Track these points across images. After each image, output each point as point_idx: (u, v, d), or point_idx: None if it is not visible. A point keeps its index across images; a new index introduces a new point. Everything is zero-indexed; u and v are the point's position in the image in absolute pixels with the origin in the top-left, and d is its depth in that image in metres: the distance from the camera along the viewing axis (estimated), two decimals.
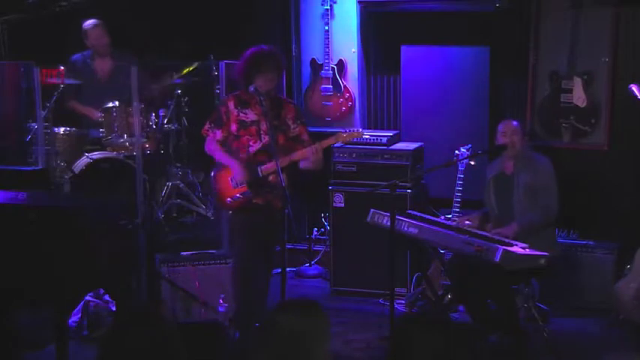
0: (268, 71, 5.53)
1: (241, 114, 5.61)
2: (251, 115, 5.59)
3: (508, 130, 5.91)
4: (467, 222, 5.87)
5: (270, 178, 5.54)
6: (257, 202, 5.60)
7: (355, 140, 6.87)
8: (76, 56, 7.31)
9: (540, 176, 5.86)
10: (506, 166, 5.99)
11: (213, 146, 5.69)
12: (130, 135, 6.84)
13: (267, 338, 2.96)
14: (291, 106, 5.79)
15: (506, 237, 5.59)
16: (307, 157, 5.55)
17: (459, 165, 6.20)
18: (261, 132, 5.57)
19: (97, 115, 7.04)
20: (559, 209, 5.86)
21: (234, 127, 5.62)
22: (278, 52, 5.74)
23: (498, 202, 5.96)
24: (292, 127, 5.67)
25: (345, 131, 5.76)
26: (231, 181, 5.60)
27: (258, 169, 5.56)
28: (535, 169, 5.88)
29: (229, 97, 5.71)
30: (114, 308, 5.92)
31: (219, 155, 5.68)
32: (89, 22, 7.25)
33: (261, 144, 5.57)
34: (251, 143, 5.59)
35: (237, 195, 5.59)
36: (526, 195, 5.83)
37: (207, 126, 5.71)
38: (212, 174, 5.78)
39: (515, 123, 5.97)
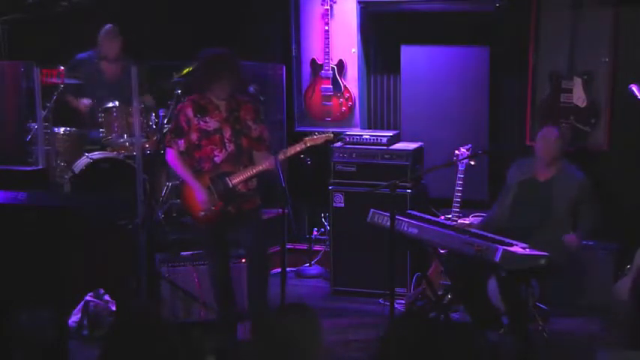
0: (226, 80, 5.41)
1: (202, 122, 5.47)
2: (212, 123, 5.47)
3: (548, 138, 5.87)
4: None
5: (240, 187, 5.51)
6: (229, 211, 5.55)
7: (355, 140, 6.92)
8: (82, 55, 7.29)
9: (583, 188, 5.87)
10: (539, 173, 5.94)
11: (175, 161, 5.55)
12: (130, 135, 6.84)
13: (264, 345, 2.97)
14: (249, 105, 5.63)
15: (574, 245, 5.70)
16: (270, 167, 5.41)
17: (459, 165, 6.20)
18: (225, 140, 5.48)
19: (85, 103, 7.06)
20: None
21: (194, 136, 5.48)
22: (233, 55, 5.55)
23: (516, 206, 5.89)
24: (253, 127, 5.56)
25: (311, 136, 5.59)
26: (200, 201, 5.51)
27: (228, 181, 5.48)
28: (575, 180, 5.88)
29: (186, 104, 5.54)
30: (114, 308, 5.92)
31: (183, 173, 5.57)
32: (108, 30, 7.22)
33: (227, 153, 5.49)
34: (216, 153, 5.48)
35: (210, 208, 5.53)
36: (567, 206, 5.81)
37: (169, 137, 5.58)
38: (180, 187, 5.76)
39: (556, 131, 5.95)
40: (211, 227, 5.58)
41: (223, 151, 5.48)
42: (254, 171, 5.47)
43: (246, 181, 5.51)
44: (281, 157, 5.42)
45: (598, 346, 5.71)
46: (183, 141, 5.50)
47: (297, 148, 5.53)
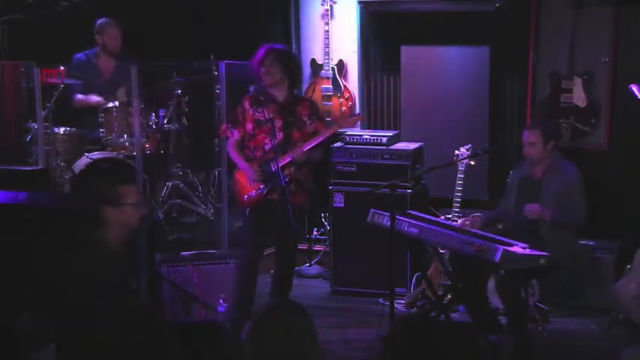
0: (267, 65, 5.69)
1: (257, 113, 5.76)
2: (265, 114, 5.71)
3: (526, 142, 5.80)
4: (466, 223, 5.87)
5: (285, 172, 5.63)
6: (272, 198, 5.66)
7: (355, 140, 6.93)
8: (80, 55, 7.29)
9: (568, 184, 5.78)
10: (534, 170, 5.91)
11: (230, 148, 5.93)
12: (130, 135, 6.84)
13: (257, 343, 2.97)
14: (306, 102, 5.97)
15: (542, 216, 5.63)
16: (301, 158, 5.69)
17: (459, 165, 6.20)
18: (276, 129, 5.70)
19: (97, 99, 7.05)
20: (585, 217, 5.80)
21: (249, 126, 5.79)
22: (282, 48, 5.90)
23: (518, 205, 5.88)
24: (308, 123, 5.79)
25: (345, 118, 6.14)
26: (248, 180, 5.77)
27: (272, 165, 5.64)
28: (562, 177, 5.79)
29: (245, 98, 5.86)
30: None
31: (235, 158, 5.90)
32: (108, 21, 7.24)
33: (276, 141, 5.70)
34: (267, 141, 5.73)
35: (252, 192, 5.74)
36: (554, 202, 5.76)
37: (224, 126, 5.95)
38: (233, 175, 6.04)
39: (532, 134, 5.80)
40: (255, 215, 5.76)
41: (273, 139, 5.68)
42: (299, 153, 5.66)
43: (292, 169, 5.69)
44: (299, 153, 5.66)
45: (623, 344, 5.66)
46: (237, 131, 5.85)
47: (326, 133, 5.79)
